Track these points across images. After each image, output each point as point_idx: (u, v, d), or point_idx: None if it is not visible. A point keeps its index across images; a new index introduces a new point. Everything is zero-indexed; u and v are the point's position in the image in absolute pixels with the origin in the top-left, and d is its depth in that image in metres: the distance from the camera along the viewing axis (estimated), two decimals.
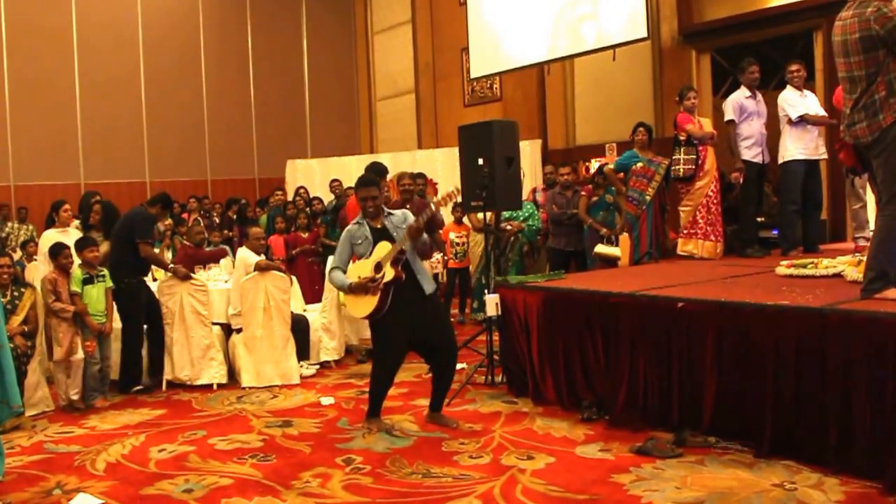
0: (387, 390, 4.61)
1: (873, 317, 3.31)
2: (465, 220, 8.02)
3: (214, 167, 12.46)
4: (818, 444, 3.44)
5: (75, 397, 5.26)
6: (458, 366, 5.81)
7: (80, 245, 5.53)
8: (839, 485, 3.26)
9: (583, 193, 7.12)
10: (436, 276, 6.05)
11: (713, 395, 3.89)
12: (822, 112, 6.34)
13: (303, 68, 13.50)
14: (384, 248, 4.38)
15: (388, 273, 4.31)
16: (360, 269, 4.43)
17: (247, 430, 4.62)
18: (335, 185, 9.32)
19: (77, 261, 5.50)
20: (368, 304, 4.36)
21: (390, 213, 4.60)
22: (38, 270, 6.61)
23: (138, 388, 5.71)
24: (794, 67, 6.33)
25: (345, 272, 4.51)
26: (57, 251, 5.44)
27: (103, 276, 5.53)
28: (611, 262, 6.76)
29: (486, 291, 5.64)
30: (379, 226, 4.51)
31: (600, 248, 6.81)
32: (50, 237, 6.21)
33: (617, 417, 4.27)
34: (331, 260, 4.70)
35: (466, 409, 4.83)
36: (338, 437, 4.37)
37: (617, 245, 6.76)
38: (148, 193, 11.57)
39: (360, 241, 4.50)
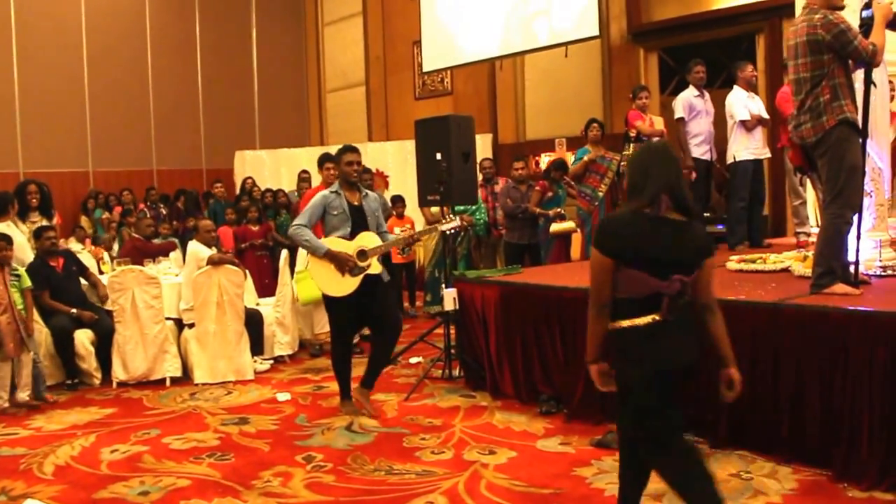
0: (348, 367, 4.75)
1: (824, 311, 3.45)
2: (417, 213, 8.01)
3: (161, 157, 12.07)
4: (771, 434, 3.56)
5: (25, 398, 5.06)
6: (415, 360, 5.87)
7: None
8: (792, 473, 3.39)
9: (537, 188, 7.19)
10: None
11: None
12: (765, 113, 6.54)
13: (252, 58, 13.21)
14: (371, 239, 4.56)
15: (376, 267, 4.55)
16: (337, 246, 4.51)
17: (202, 428, 4.52)
18: (305, 175, 9.17)
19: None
20: (348, 285, 4.48)
21: (367, 193, 4.75)
22: None
23: (68, 382, 5.58)
24: (750, 68, 6.52)
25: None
26: None
27: (17, 275, 5.21)
28: (567, 236, 7.06)
29: (443, 285, 5.65)
30: (356, 203, 4.65)
31: (555, 227, 6.98)
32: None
33: (575, 410, 4.33)
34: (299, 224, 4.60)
35: (425, 403, 4.84)
36: (296, 435, 4.32)
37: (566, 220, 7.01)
38: (91, 183, 11.15)
39: (336, 212, 4.57)
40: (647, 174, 2.53)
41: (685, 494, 2.55)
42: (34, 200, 6.24)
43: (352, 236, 4.57)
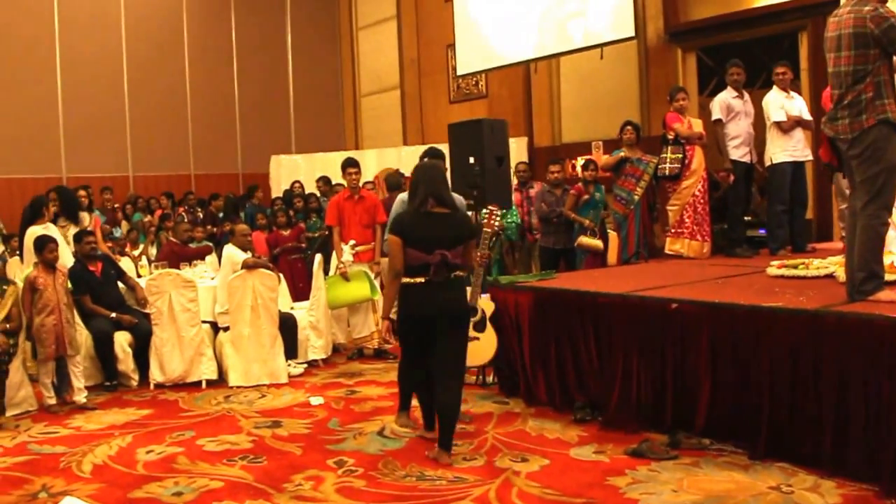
0: (410, 384, 4.40)
1: (869, 319, 3.32)
2: None
3: (198, 162, 12.28)
4: (813, 446, 3.45)
5: (83, 400, 5.19)
6: None
7: None
8: (835, 487, 3.27)
9: (572, 192, 7.10)
10: None
11: (707, 397, 3.89)
12: (807, 114, 6.38)
13: (287, 63, 13.36)
14: None
15: None
16: None
17: (235, 430, 4.56)
18: (319, 184, 9.23)
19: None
20: None
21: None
22: (21, 267, 6.49)
23: (107, 384, 5.68)
24: (780, 69, 6.35)
25: None
26: (41, 244, 5.25)
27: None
28: (595, 253, 6.81)
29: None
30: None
31: (583, 239, 6.81)
32: (35, 233, 6.01)
33: (610, 418, 4.25)
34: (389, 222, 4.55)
35: None
36: (328, 439, 4.33)
37: (599, 238, 6.79)
38: (131, 188, 11.38)
39: None
40: (418, 185, 3.88)
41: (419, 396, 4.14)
42: (53, 207, 6.37)
43: None
